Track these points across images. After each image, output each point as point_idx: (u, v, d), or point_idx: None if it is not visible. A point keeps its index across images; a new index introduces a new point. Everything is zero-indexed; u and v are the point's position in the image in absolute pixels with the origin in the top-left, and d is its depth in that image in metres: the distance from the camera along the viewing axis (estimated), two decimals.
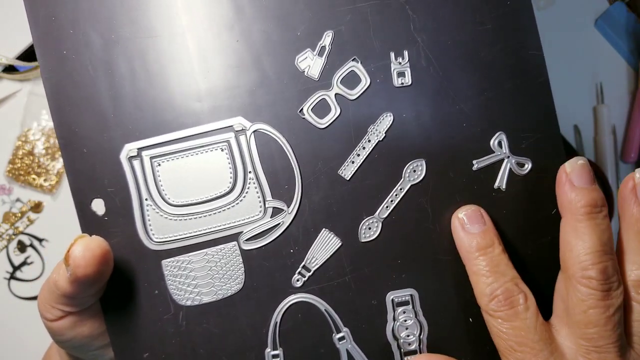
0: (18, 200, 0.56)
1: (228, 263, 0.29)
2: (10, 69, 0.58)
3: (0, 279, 0.55)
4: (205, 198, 0.29)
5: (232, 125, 0.29)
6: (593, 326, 0.26)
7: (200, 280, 0.29)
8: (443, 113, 0.29)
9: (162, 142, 0.29)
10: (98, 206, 0.29)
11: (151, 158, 0.29)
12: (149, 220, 0.29)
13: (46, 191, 0.56)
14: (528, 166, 0.30)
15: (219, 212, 0.29)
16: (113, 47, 0.29)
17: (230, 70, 0.29)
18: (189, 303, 0.29)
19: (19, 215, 0.55)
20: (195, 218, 0.29)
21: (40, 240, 0.54)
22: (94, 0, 0.29)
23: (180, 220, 0.29)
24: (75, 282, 0.26)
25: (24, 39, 0.58)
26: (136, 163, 0.29)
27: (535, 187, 0.30)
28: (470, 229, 0.28)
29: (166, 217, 0.29)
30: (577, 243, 0.27)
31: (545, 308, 0.28)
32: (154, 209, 0.29)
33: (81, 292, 0.27)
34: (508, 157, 0.30)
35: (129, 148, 0.29)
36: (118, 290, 0.29)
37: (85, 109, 0.29)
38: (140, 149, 0.29)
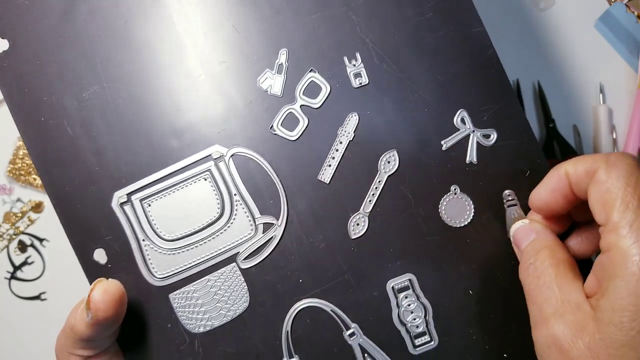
0: (19, 200, 0.56)
1: (231, 285, 0.30)
2: None
3: (1, 278, 0.54)
4: (197, 228, 0.30)
5: (210, 155, 0.30)
6: None
7: (208, 306, 0.30)
8: (404, 103, 0.31)
9: (148, 184, 0.30)
10: (100, 256, 0.30)
11: (141, 200, 0.30)
12: (150, 259, 0.30)
13: None
14: (494, 136, 0.31)
15: (213, 238, 0.30)
16: (86, 105, 0.31)
17: (198, 104, 0.31)
18: (201, 330, 0.30)
19: (20, 215, 0.55)
20: (192, 248, 0.30)
21: (41, 240, 0.54)
22: (60, 65, 0.31)
23: (179, 253, 0.30)
24: (94, 325, 0.27)
25: None
26: (128, 208, 0.30)
27: (505, 153, 0.31)
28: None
29: (165, 253, 0.30)
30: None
31: None
32: (152, 248, 0.30)
33: (99, 334, 0.28)
34: (473, 131, 0.31)
35: (119, 195, 0.30)
36: (133, 330, 0.30)
37: (71, 168, 0.30)
38: (129, 194, 0.30)
